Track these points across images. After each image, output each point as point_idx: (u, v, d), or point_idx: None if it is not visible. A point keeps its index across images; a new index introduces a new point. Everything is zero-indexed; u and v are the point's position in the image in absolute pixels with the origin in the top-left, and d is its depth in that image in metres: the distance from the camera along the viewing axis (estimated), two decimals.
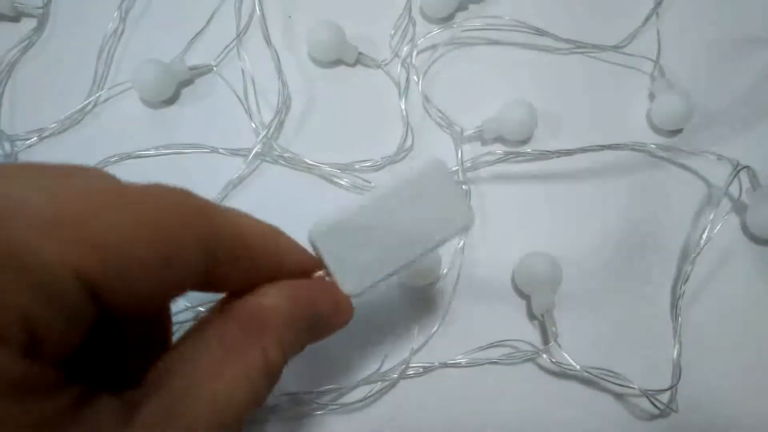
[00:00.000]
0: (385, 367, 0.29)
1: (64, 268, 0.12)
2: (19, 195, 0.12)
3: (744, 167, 0.32)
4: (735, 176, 0.32)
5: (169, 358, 0.16)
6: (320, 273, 0.20)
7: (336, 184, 0.33)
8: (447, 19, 0.37)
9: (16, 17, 0.36)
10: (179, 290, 0.15)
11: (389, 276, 0.20)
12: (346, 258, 0.20)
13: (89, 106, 0.34)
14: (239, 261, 0.17)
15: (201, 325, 0.17)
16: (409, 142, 0.34)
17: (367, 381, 0.29)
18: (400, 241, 0.20)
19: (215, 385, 0.15)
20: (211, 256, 0.15)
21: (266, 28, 0.35)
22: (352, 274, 0.20)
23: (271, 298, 0.17)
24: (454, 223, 0.21)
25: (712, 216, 0.31)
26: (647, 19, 0.37)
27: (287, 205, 0.33)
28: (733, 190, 0.33)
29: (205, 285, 0.16)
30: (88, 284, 0.13)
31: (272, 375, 0.17)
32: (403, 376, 0.29)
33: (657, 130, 0.35)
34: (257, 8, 0.36)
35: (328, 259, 0.20)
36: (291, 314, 0.17)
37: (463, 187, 0.23)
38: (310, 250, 0.20)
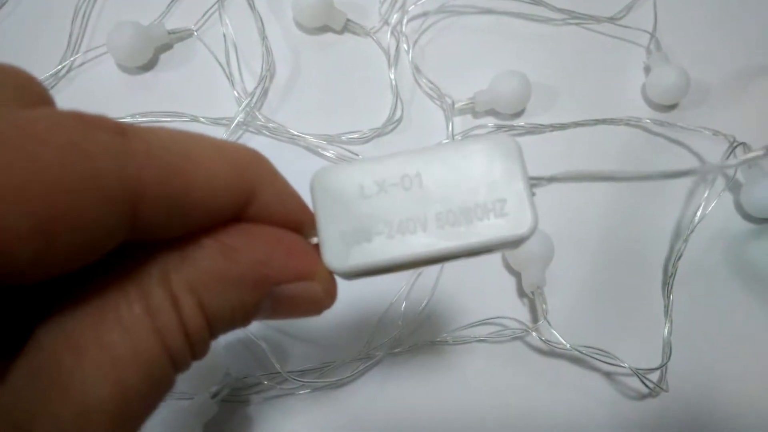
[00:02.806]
0: (372, 345, 0.29)
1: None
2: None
3: (740, 144, 0.32)
4: (731, 153, 0.31)
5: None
6: (314, 239, 0.15)
7: (322, 156, 0.32)
8: None
9: None
10: (88, 257, 0.11)
11: (395, 267, 0.14)
12: (344, 221, 0.14)
13: (63, 71, 0.33)
14: (184, 211, 0.12)
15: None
16: (398, 114, 0.33)
17: (353, 359, 0.28)
18: (427, 225, 0.14)
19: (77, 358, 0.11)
20: (138, 212, 0.11)
21: None
22: (344, 245, 0.14)
23: (202, 246, 0.13)
24: (508, 225, 0.14)
25: (706, 194, 0.31)
26: None
27: None
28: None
29: (130, 238, 0.12)
30: None
31: (186, 334, 0.12)
32: (389, 353, 0.29)
33: (652, 104, 0.34)
34: None
35: (320, 215, 0.14)
36: (222, 267, 0.13)
37: (533, 189, 0.15)
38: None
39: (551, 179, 0.15)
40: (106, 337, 0.11)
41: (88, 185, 0.10)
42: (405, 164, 0.14)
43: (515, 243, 0.14)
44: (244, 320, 0.13)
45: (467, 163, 0.14)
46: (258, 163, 0.14)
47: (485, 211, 0.14)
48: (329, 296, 0.15)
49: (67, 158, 0.10)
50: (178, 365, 0.12)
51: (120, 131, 0.11)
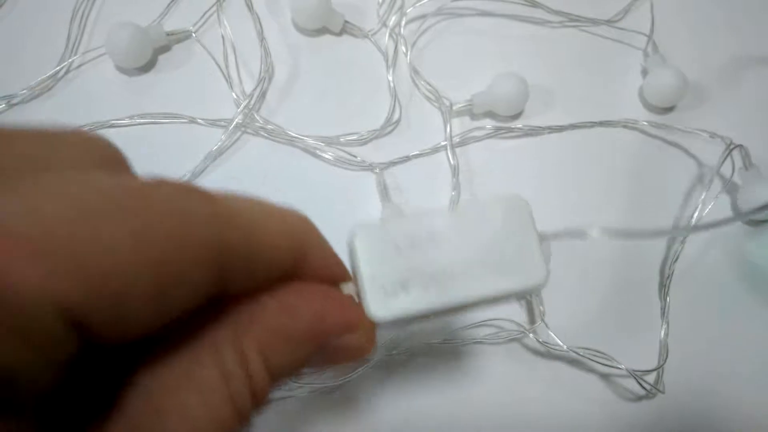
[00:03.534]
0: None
1: (46, 303, 0.10)
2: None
3: (737, 146, 0.32)
4: (728, 155, 0.32)
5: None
6: (349, 289, 0.16)
7: (320, 157, 0.32)
8: None
9: None
10: (182, 312, 0.12)
11: (429, 315, 0.16)
12: (384, 274, 0.16)
13: (62, 72, 0.33)
14: (254, 269, 0.13)
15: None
16: (396, 116, 0.33)
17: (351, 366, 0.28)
18: (455, 276, 0.16)
19: (171, 400, 0.12)
20: (222, 270, 0.12)
21: None
22: (384, 296, 0.15)
23: (266, 305, 0.14)
24: (524, 276, 0.16)
25: (703, 196, 0.31)
26: None
27: (269, 180, 0.32)
28: (725, 169, 0.32)
29: (210, 300, 0.13)
30: (72, 318, 0.10)
31: (253, 394, 0.13)
32: (386, 355, 0.29)
33: (649, 107, 0.34)
34: None
35: (362, 269, 0.16)
36: (286, 326, 0.14)
37: (547, 245, 0.18)
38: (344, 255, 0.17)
39: (555, 236, 0.18)
40: (185, 402, 0.12)
41: (189, 246, 0.11)
42: (433, 222, 0.16)
43: (531, 291, 0.17)
44: (297, 372, 0.15)
45: (486, 222, 0.16)
46: (308, 226, 0.15)
47: (504, 263, 0.16)
48: (371, 343, 0.16)
49: (175, 222, 0.11)
50: (243, 424, 0.13)
51: (209, 197, 0.12)
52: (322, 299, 0.15)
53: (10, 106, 0.32)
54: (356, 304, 0.16)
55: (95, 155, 0.13)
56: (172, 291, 0.11)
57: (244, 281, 0.13)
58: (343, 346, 0.15)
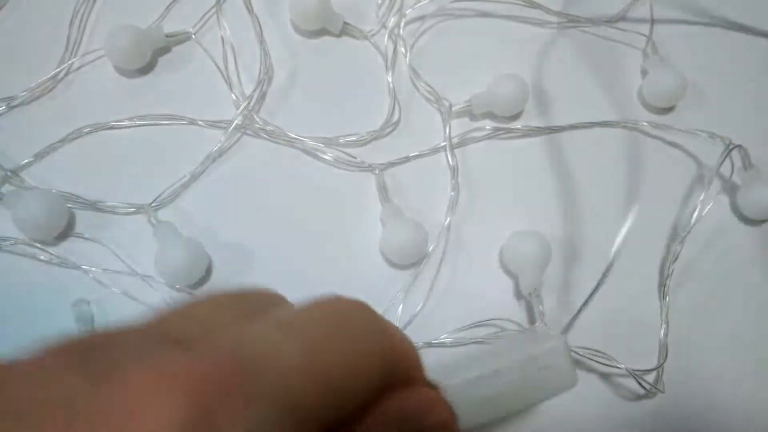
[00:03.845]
0: None
1: (310, 410, 0.12)
2: (274, 341, 0.12)
3: (736, 146, 0.32)
4: (727, 155, 0.32)
5: None
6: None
7: (320, 159, 0.32)
8: None
9: None
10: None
11: (490, 420, 0.22)
12: (470, 399, 0.22)
13: (61, 74, 0.33)
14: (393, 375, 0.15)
15: None
16: (395, 117, 0.33)
17: None
18: (517, 395, 0.22)
19: None
20: (384, 381, 0.14)
21: None
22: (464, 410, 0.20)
23: (391, 412, 0.15)
24: (559, 389, 0.23)
25: (702, 196, 0.31)
26: None
27: (268, 181, 0.32)
28: (725, 169, 0.32)
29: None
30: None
31: None
32: None
33: (649, 107, 0.34)
34: None
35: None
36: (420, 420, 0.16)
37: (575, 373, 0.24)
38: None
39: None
40: None
41: (380, 353, 0.14)
42: (491, 364, 0.22)
43: (563, 390, 0.23)
44: None
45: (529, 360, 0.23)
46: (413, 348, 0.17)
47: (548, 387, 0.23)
48: None
49: (372, 338, 0.14)
50: None
51: (379, 316, 0.15)
52: (441, 403, 0.17)
53: (11, 108, 0.32)
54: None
55: (274, 298, 0.15)
56: (362, 393, 0.13)
57: (384, 389, 0.15)
58: None
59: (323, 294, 0.14)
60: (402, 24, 0.34)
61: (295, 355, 0.12)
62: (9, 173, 0.30)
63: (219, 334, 0.12)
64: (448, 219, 0.31)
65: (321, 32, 0.34)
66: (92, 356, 0.11)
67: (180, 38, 0.34)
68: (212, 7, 0.34)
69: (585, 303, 0.27)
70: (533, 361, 0.23)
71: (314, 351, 0.12)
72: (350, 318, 0.14)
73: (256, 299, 0.15)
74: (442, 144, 0.32)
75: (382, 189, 0.31)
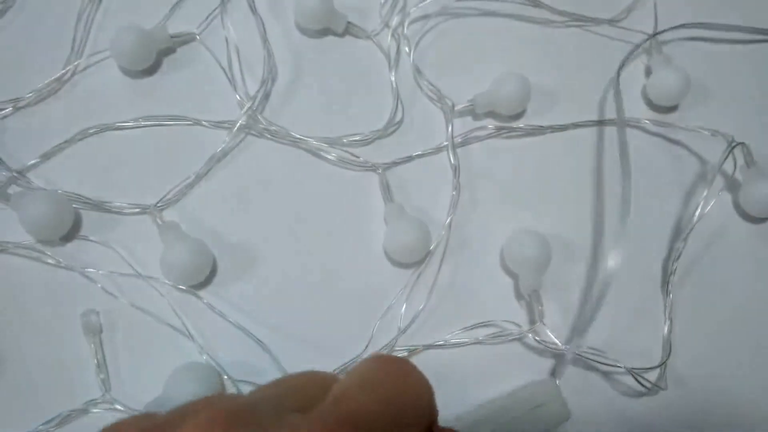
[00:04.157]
0: (371, 348, 0.29)
1: None
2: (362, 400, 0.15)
3: (739, 144, 0.32)
4: (729, 153, 0.32)
5: None
6: None
7: (323, 158, 0.32)
8: None
9: None
10: None
11: None
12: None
13: (67, 75, 0.33)
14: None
15: None
16: (399, 116, 0.33)
17: (352, 362, 0.29)
18: None
19: None
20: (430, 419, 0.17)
21: None
22: None
23: None
24: (555, 424, 0.27)
25: (705, 193, 0.31)
26: None
27: (273, 180, 0.32)
28: (727, 167, 0.32)
29: None
30: None
31: None
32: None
33: (652, 105, 0.34)
34: None
35: None
36: None
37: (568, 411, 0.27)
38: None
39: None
40: None
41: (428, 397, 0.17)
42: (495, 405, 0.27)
43: (560, 423, 0.27)
44: None
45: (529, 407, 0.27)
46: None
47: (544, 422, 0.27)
48: None
49: (425, 396, 0.17)
50: None
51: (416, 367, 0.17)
52: None
53: (17, 109, 0.32)
54: None
55: (328, 378, 0.18)
56: None
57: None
58: None
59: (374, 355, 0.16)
60: (405, 23, 0.34)
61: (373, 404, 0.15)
62: (15, 174, 0.31)
63: (323, 404, 0.15)
64: (450, 218, 0.31)
65: (324, 32, 0.35)
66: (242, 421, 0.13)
67: (184, 39, 0.34)
68: (216, 8, 0.34)
69: (594, 311, 0.27)
70: (529, 401, 0.27)
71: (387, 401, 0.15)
72: (408, 374, 0.17)
73: (311, 382, 0.17)
74: (445, 143, 0.32)
75: (386, 188, 0.31)
